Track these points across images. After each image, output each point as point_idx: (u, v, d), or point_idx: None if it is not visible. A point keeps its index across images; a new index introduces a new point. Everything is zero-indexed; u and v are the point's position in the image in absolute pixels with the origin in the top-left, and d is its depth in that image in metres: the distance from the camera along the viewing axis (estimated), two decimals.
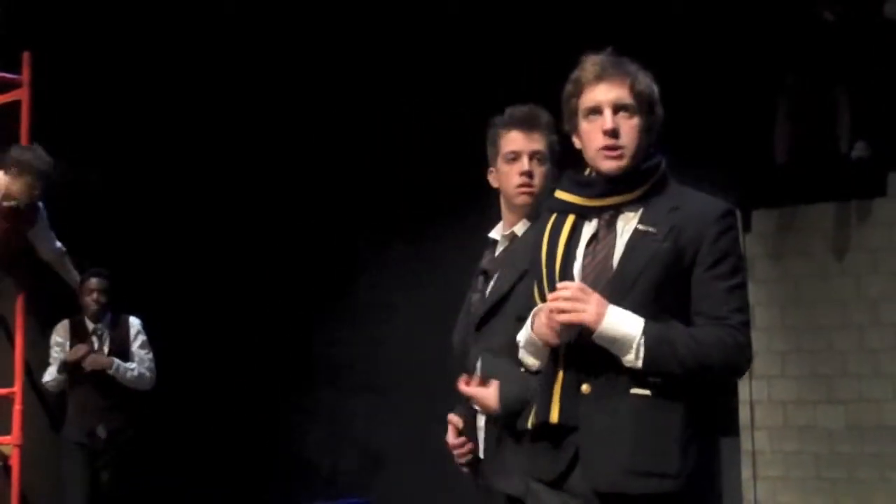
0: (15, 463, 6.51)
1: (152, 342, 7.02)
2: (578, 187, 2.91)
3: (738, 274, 2.79)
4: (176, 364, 7.28)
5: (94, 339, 6.80)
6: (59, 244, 6.71)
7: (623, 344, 2.70)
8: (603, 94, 2.85)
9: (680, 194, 2.90)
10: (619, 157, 2.83)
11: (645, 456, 2.70)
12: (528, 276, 3.08)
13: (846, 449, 6.75)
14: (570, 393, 2.77)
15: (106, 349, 6.79)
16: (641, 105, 2.86)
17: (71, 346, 6.73)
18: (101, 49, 7.85)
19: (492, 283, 3.48)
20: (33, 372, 7.26)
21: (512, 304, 3.30)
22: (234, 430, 8.70)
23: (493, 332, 3.37)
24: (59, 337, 6.80)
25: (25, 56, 6.72)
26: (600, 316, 2.70)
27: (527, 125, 3.53)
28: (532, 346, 2.91)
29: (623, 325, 2.70)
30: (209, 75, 8.33)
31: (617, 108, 2.85)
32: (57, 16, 7.53)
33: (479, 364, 3.41)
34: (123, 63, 8.00)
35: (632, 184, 2.85)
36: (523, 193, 3.45)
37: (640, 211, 2.84)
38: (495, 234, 3.61)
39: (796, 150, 6.78)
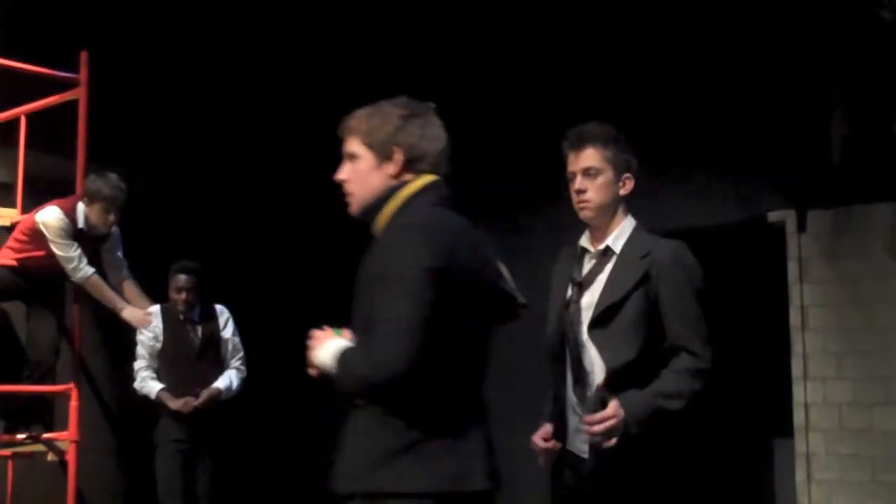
0: (71, 458, 6.57)
1: None
2: None
3: (394, 286, 2.87)
4: None
5: (189, 328, 6.90)
6: (124, 271, 6.80)
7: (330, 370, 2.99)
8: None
9: None
10: (351, 202, 3.17)
11: (350, 459, 2.96)
12: None
13: None
14: None
15: (198, 340, 6.89)
16: (372, 149, 3.11)
17: (164, 333, 6.83)
18: (157, 47, 7.92)
19: (596, 294, 3.70)
20: (91, 371, 7.35)
21: (625, 313, 3.63)
22: (296, 428, 8.74)
23: (616, 336, 3.63)
24: (154, 321, 6.84)
25: (83, 55, 6.78)
26: (317, 350, 3.03)
27: (573, 146, 3.81)
28: None
29: (324, 356, 3.00)
30: (266, 73, 8.38)
31: (350, 157, 3.16)
32: (113, 15, 7.61)
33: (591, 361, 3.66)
34: (180, 61, 8.08)
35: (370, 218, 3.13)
36: (581, 209, 3.78)
37: None
38: (584, 243, 3.85)
39: (852, 149, 6.72)
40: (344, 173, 3.16)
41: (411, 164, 3.09)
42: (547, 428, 3.77)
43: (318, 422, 8.89)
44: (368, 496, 2.89)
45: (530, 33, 7.87)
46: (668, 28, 7.27)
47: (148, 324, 6.69)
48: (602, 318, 3.64)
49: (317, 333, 3.08)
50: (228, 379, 6.92)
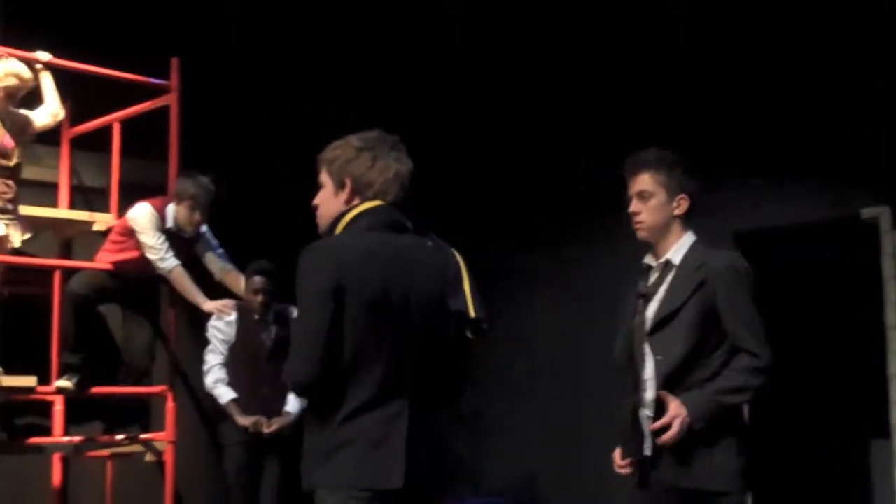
0: (169, 459, 6.68)
1: None
2: None
3: (301, 309, 3.41)
4: None
5: (262, 329, 6.95)
6: (225, 261, 6.88)
7: None
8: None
9: None
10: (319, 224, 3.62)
11: (304, 459, 3.46)
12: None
13: None
14: None
15: (270, 342, 6.95)
16: (331, 178, 3.56)
17: (239, 329, 6.91)
18: (247, 52, 8.02)
19: (657, 304, 4.03)
20: (186, 372, 7.44)
21: (681, 319, 3.93)
22: None
23: (670, 340, 3.95)
24: (230, 316, 6.92)
25: (174, 62, 6.88)
26: None
27: (630, 171, 4.13)
28: None
29: None
30: (349, 78, 8.45)
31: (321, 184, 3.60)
32: (203, 22, 7.72)
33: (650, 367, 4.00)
34: (269, 65, 8.16)
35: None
36: (637, 230, 4.12)
37: None
38: (649, 260, 4.16)
39: None
40: (316, 199, 3.61)
41: (359, 192, 3.50)
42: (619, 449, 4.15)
43: None
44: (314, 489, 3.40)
45: (601, 56, 7.86)
46: (754, 25, 7.19)
47: (227, 310, 6.76)
48: (660, 325, 3.97)
49: None
50: (300, 401, 6.93)
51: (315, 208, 3.61)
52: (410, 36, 8.24)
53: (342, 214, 3.49)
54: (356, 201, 3.50)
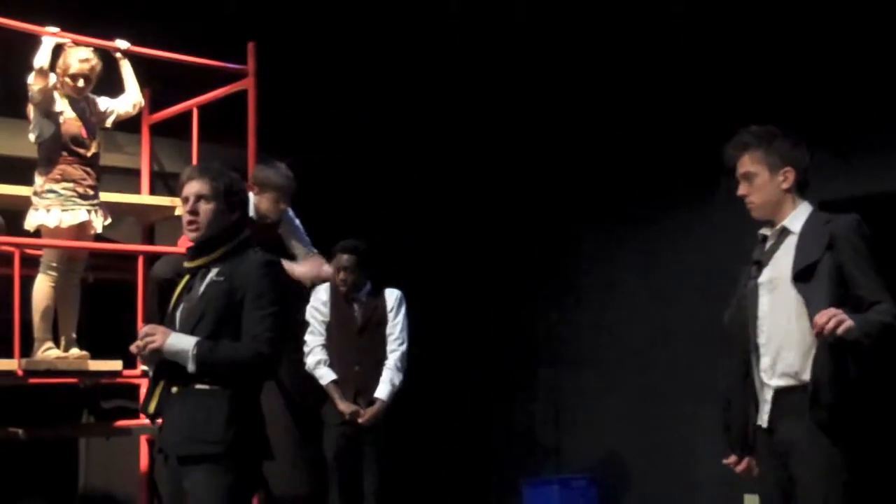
0: None
1: None
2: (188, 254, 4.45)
3: (271, 306, 4.16)
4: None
5: (354, 306, 6.98)
6: (308, 246, 6.87)
7: (182, 355, 4.11)
8: (189, 189, 4.34)
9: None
10: (196, 230, 4.31)
11: (197, 428, 4.10)
12: None
13: None
14: (166, 393, 4.25)
15: (359, 317, 6.98)
16: (216, 195, 4.30)
17: (330, 309, 6.95)
18: (323, 37, 8.04)
19: (776, 268, 4.07)
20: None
21: (821, 270, 3.93)
22: (460, 408, 8.81)
23: (812, 291, 3.92)
24: (322, 297, 6.98)
25: (250, 46, 6.90)
26: (164, 340, 4.12)
27: (731, 156, 4.24)
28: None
29: (179, 343, 4.12)
30: (430, 64, 8.44)
31: (198, 198, 4.30)
32: (280, 5, 7.74)
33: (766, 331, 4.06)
34: (346, 49, 8.18)
35: (210, 249, 4.31)
36: (749, 210, 4.23)
37: (219, 268, 4.27)
38: (765, 230, 4.22)
39: None
40: (195, 207, 4.30)
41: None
42: (733, 456, 4.20)
43: (487, 406, 8.94)
44: (212, 457, 4.09)
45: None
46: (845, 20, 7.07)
47: (320, 269, 6.74)
48: (803, 274, 3.95)
49: (153, 329, 4.19)
50: (390, 384, 6.91)
51: (190, 212, 4.32)
52: (485, 27, 8.22)
53: (242, 233, 4.38)
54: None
